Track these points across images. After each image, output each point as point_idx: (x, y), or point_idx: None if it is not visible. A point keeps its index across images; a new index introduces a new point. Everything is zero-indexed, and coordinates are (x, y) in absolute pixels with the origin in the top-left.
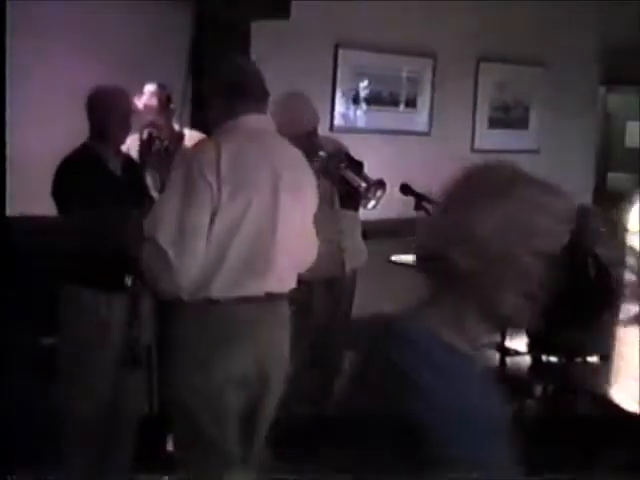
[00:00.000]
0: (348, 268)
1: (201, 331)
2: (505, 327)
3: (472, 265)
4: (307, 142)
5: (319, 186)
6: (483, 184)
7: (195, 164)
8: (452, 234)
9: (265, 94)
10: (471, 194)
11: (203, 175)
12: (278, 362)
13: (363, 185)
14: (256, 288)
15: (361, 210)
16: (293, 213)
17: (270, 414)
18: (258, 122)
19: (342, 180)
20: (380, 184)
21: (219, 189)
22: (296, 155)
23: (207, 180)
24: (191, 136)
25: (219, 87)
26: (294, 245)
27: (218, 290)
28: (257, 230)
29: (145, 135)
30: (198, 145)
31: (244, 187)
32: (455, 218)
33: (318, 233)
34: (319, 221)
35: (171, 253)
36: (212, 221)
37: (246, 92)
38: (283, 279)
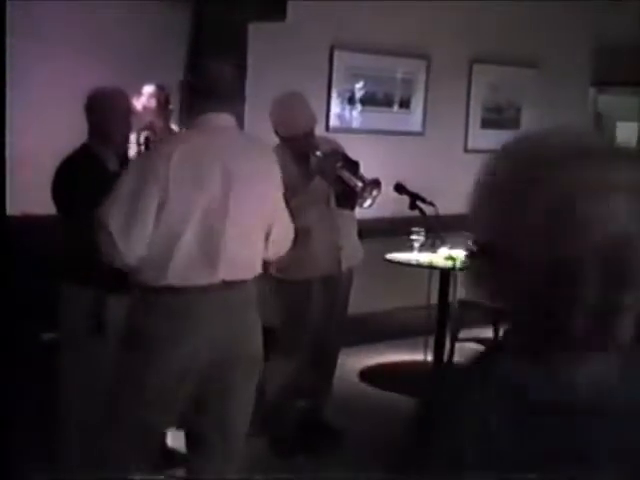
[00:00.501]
0: (344, 266)
1: (158, 317)
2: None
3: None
4: (304, 142)
5: (317, 186)
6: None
7: (151, 155)
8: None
9: (232, 95)
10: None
11: (155, 166)
12: (241, 348)
13: (359, 185)
14: (210, 276)
15: (357, 209)
16: (249, 205)
17: (244, 399)
18: (221, 121)
19: (338, 180)
20: (376, 183)
21: (168, 180)
22: (257, 150)
23: (158, 171)
24: None
25: (187, 87)
26: (252, 234)
27: (173, 277)
28: (207, 221)
29: (142, 139)
30: (161, 139)
31: (195, 180)
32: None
33: (315, 232)
34: (316, 220)
35: (117, 237)
36: (163, 210)
37: (211, 93)
38: (242, 267)
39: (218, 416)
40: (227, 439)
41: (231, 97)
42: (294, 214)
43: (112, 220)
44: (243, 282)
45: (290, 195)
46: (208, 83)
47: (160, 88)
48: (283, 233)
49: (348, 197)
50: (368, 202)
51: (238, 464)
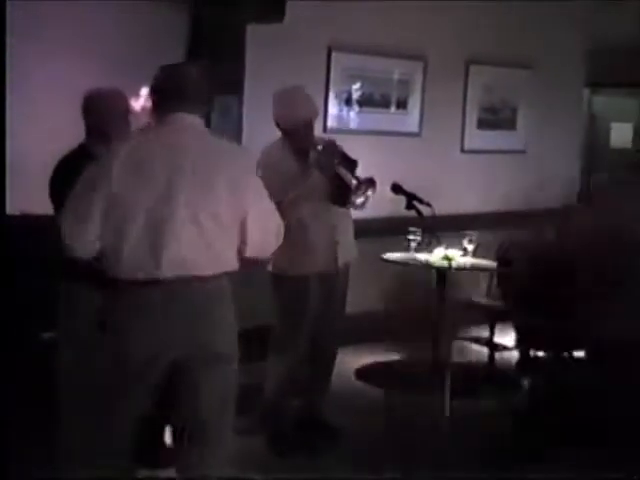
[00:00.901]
0: (341, 262)
1: (118, 311)
2: None
3: None
4: (305, 134)
5: (314, 181)
6: None
7: (104, 154)
8: None
9: (195, 96)
10: None
11: (103, 164)
12: (206, 346)
13: (354, 182)
14: (155, 271)
15: (353, 210)
16: (205, 203)
17: (215, 398)
18: (182, 120)
19: (335, 176)
20: (371, 183)
21: (113, 178)
22: (223, 150)
23: (105, 169)
24: None
25: (152, 88)
26: (212, 232)
27: (124, 271)
28: (154, 217)
29: None
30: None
31: (141, 177)
32: None
33: (312, 227)
34: (313, 215)
35: (66, 234)
36: (111, 206)
37: (173, 93)
38: (197, 263)
39: (192, 415)
40: (205, 439)
41: (193, 98)
42: (291, 208)
43: (64, 218)
44: (201, 278)
45: (288, 189)
46: (169, 85)
47: None
48: (263, 232)
49: (342, 194)
50: (360, 200)
51: (224, 463)
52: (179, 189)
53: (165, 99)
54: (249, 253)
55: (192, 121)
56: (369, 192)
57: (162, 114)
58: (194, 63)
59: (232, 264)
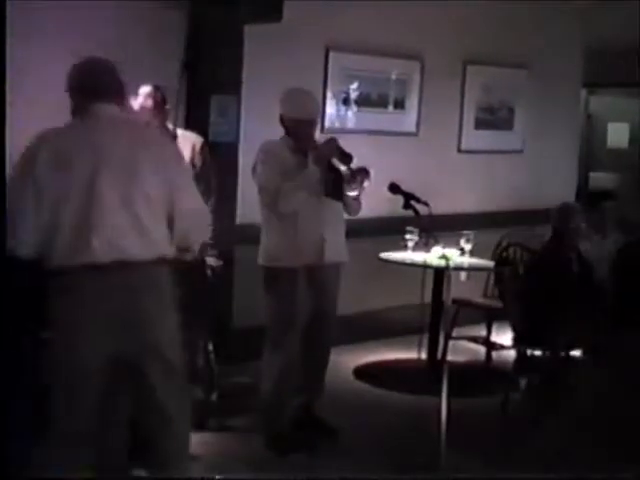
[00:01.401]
0: (327, 259)
1: (57, 300)
2: None
3: None
4: (306, 132)
5: (309, 174)
6: None
7: (30, 148)
8: None
9: (108, 86)
10: None
11: (28, 159)
12: (144, 334)
13: (347, 172)
14: (84, 257)
15: (351, 216)
16: (129, 188)
17: (164, 393)
18: (100, 109)
19: (329, 167)
20: (364, 172)
21: (38, 170)
22: (143, 135)
23: (30, 163)
24: (184, 135)
25: (68, 87)
26: (140, 217)
27: (57, 258)
28: (78, 204)
29: None
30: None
31: (64, 167)
32: None
33: (300, 219)
34: (303, 208)
35: (8, 234)
36: (39, 198)
37: (88, 87)
38: (126, 247)
39: (144, 407)
40: (162, 431)
41: (106, 88)
42: (285, 201)
43: (6, 218)
44: (137, 263)
45: (283, 179)
46: (83, 80)
47: (156, 88)
48: (187, 218)
49: (337, 186)
50: (355, 192)
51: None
52: (102, 173)
53: (82, 93)
54: (175, 240)
55: (110, 110)
56: (365, 183)
57: (82, 108)
58: (101, 58)
59: (167, 249)
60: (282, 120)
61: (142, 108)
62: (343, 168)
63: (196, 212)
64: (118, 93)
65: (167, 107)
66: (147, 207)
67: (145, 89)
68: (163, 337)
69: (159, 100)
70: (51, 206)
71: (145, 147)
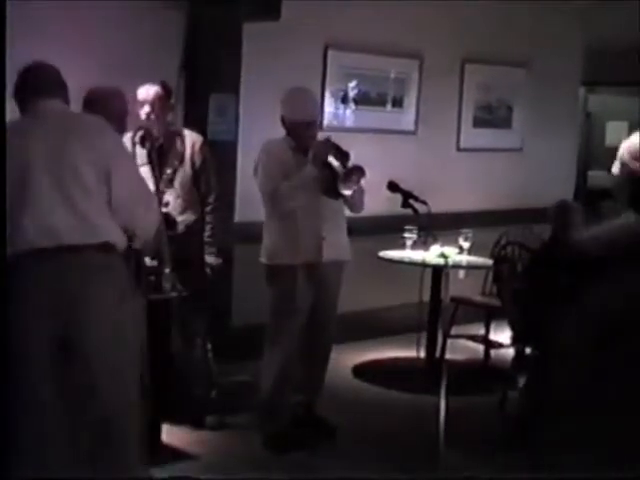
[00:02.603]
0: (327, 257)
1: (12, 285)
2: None
3: None
4: (306, 133)
5: (308, 173)
6: None
7: None
8: None
9: (48, 84)
10: None
11: None
12: (88, 324)
13: (343, 171)
14: (27, 242)
15: (352, 213)
16: (62, 168)
17: (114, 391)
18: (40, 105)
19: (326, 166)
20: (359, 170)
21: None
22: (74, 120)
23: None
24: (184, 134)
25: (14, 90)
26: (78, 201)
27: (9, 246)
28: (18, 189)
29: (137, 138)
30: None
31: (12, 155)
32: None
33: (300, 218)
34: (302, 206)
35: None
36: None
37: (28, 86)
38: (64, 232)
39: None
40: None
41: (46, 85)
42: (284, 199)
43: None
44: (75, 248)
45: (282, 178)
46: (24, 80)
47: (162, 83)
48: (129, 198)
49: (334, 185)
50: (350, 191)
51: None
52: (37, 158)
53: (24, 92)
54: (117, 221)
55: (51, 105)
56: (361, 181)
57: (25, 105)
58: (42, 62)
59: (112, 235)
60: (283, 121)
61: (144, 101)
62: (339, 167)
63: (133, 200)
64: (58, 90)
65: (171, 101)
66: (85, 195)
67: (149, 86)
68: (103, 324)
69: (162, 94)
70: (8, 193)
71: (82, 137)
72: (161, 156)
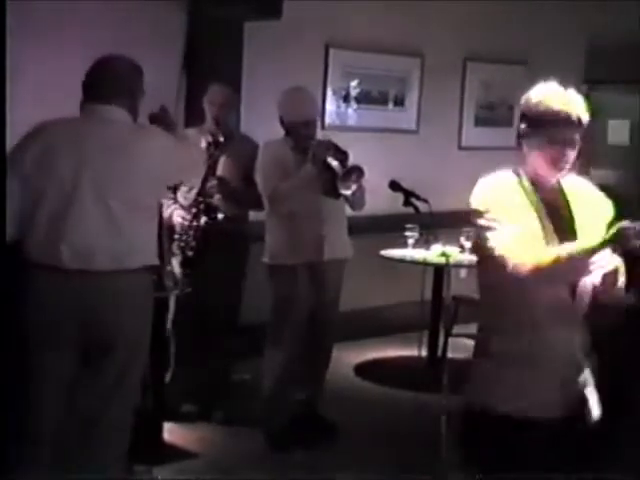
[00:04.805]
0: (327, 256)
1: (28, 293)
2: None
3: None
4: (305, 133)
5: (308, 173)
6: None
7: (29, 133)
8: None
9: (112, 88)
10: None
11: (15, 154)
12: (108, 332)
13: (342, 170)
14: (58, 261)
15: (353, 211)
16: (110, 194)
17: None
18: (96, 111)
19: (326, 167)
20: (357, 170)
21: (26, 165)
22: (132, 137)
23: (16, 159)
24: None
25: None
26: (125, 221)
27: (29, 254)
28: (56, 205)
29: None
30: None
31: (47, 165)
32: None
33: (300, 217)
34: (302, 206)
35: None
36: (23, 192)
37: (90, 85)
38: (106, 256)
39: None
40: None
41: (109, 90)
42: (284, 199)
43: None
44: (106, 273)
45: (281, 178)
46: (89, 76)
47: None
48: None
49: (333, 184)
50: (350, 191)
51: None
52: (84, 178)
53: (83, 91)
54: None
55: (107, 112)
56: (360, 180)
57: (82, 106)
58: (124, 57)
59: (148, 257)
60: (282, 121)
61: None
62: (338, 166)
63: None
64: (121, 95)
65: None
66: (130, 215)
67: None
68: (123, 341)
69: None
70: (32, 195)
71: (137, 153)
72: None
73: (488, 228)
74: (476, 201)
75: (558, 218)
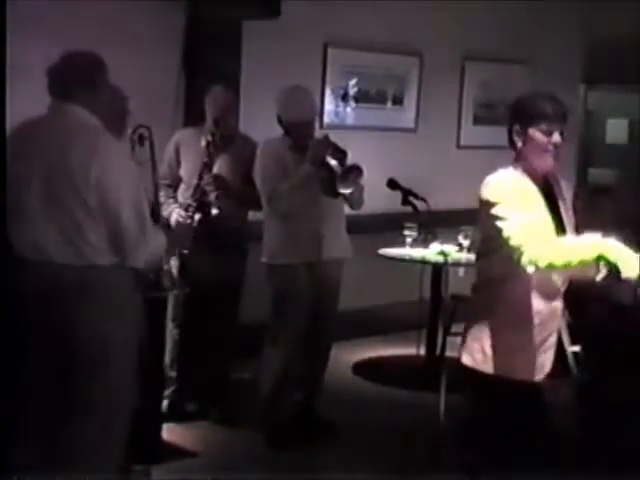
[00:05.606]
0: (326, 255)
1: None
2: None
3: None
4: (304, 132)
5: (307, 172)
6: None
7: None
8: None
9: (68, 85)
10: None
11: (9, 142)
12: (73, 332)
13: (340, 169)
14: (22, 253)
15: (352, 210)
16: (65, 191)
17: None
18: (56, 109)
19: (325, 166)
20: (356, 169)
21: (9, 156)
22: (89, 144)
23: (7, 147)
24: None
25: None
26: (72, 218)
27: (25, 251)
28: (17, 201)
29: (136, 137)
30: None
31: (16, 161)
32: None
33: (299, 217)
34: (301, 205)
35: None
36: (7, 180)
37: (51, 82)
38: (57, 249)
39: None
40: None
41: (64, 83)
42: (282, 198)
43: None
44: (61, 266)
45: (281, 178)
46: (49, 70)
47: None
48: (125, 239)
49: (332, 184)
50: (349, 190)
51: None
52: (35, 169)
53: (48, 88)
54: (126, 243)
55: (68, 109)
56: (358, 179)
57: (50, 103)
58: (77, 52)
59: (100, 257)
60: (280, 121)
61: None
62: (337, 165)
63: (134, 233)
64: (80, 92)
65: None
66: (83, 214)
67: None
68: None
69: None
70: (9, 192)
71: (91, 156)
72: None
73: (502, 218)
74: (488, 193)
75: (553, 208)
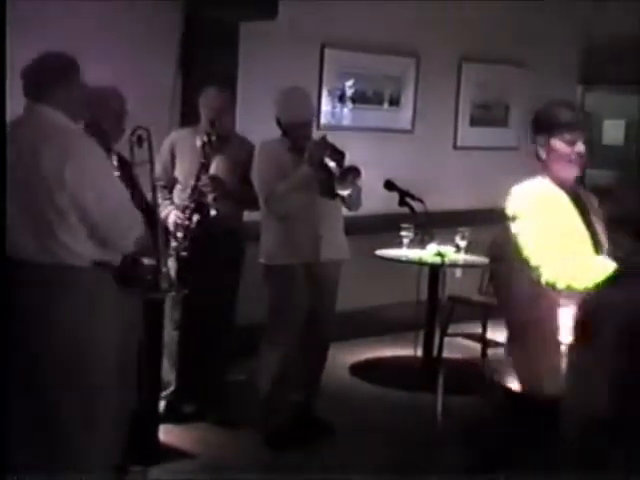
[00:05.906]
0: (324, 256)
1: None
2: None
3: None
4: (302, 133)
5: (305, 173)
6: None
7: None
8: None
9: (41, 86)
10: None
11: None
12: (48, 331)
13: (338, 171)
14: (27, 254)
15: (350, 211)
16: (36, 187)
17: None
18: (27, 110)
19: (323, 167)
20: (354, 170)
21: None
22: (59, 144)
23: None
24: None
25: None
26: (44, 218)
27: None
28: (13, 202)
29: (135, 138)
30: None
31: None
32: None
33: (297, 218)
34: (299, 206)
35: None
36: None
37: (25, 83)
38: (30, 249)
39: None
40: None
41: (31, 84)
42: (281, 200)
43: None
44: (32, 265)
45: (279, 179)
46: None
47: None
48: (102, 227)
49: (330, 185)
50: (347, 191)
51: None
52: (9, 170)
53: (23, 88)
54: (98, 235)
55: (39, 110)
56: (356, 181)
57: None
58: (47, 54)
59: (76, 257)
60: (278, 122)
61: None
62: (335, 167)
63: (118, 226)
64: (51, 92)
65: None
66: (55, 216)
67: None
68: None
69: None
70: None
71: (65, 157)
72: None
73: (521, 235)
74: (510, 207)
75: (585, 221)
